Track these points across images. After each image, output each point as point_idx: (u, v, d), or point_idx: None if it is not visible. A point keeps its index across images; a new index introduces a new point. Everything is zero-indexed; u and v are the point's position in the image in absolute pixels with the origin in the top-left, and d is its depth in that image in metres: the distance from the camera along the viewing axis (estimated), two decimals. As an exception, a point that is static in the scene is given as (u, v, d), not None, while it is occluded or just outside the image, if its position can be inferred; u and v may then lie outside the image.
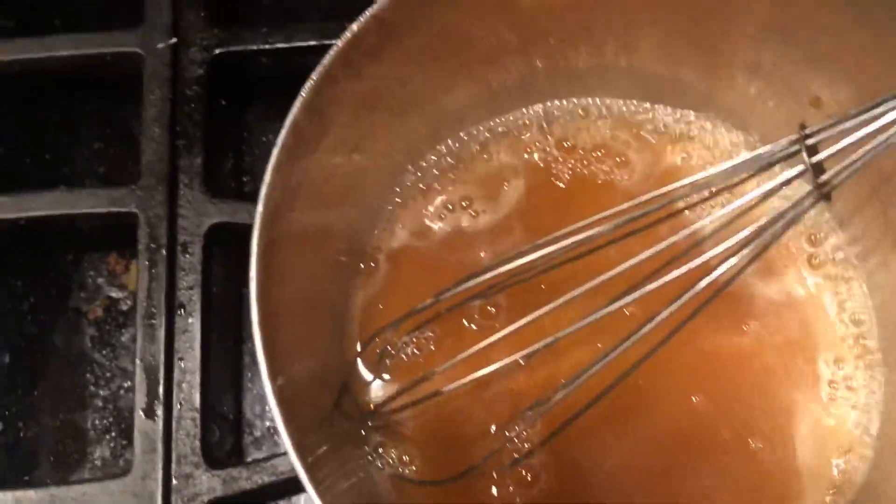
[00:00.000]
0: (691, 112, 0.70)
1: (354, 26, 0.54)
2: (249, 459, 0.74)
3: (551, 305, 0.59)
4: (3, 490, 0.67)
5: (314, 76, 0.54)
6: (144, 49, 0.75)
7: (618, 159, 0.69)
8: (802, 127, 0.50)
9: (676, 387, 0.64)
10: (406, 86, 0.61)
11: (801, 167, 0.50)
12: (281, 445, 0.73)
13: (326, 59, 0.54)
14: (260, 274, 0.53)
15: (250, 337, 0.75)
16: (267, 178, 0.53)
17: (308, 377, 0.60)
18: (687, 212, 0.59)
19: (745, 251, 0.53)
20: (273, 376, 0.51)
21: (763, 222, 0.52)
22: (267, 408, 0.77)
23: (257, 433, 0.76)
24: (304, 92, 0.54)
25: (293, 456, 0.50)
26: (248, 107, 0.85)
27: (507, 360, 0.59)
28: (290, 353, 0.57)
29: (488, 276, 0.60)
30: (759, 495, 0.63)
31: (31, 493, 0.66)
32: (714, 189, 0.56)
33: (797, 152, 0.50)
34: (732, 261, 0.52)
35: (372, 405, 0.65)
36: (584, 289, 0.59)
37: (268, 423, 0.77)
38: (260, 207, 0.53)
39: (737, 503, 0.63)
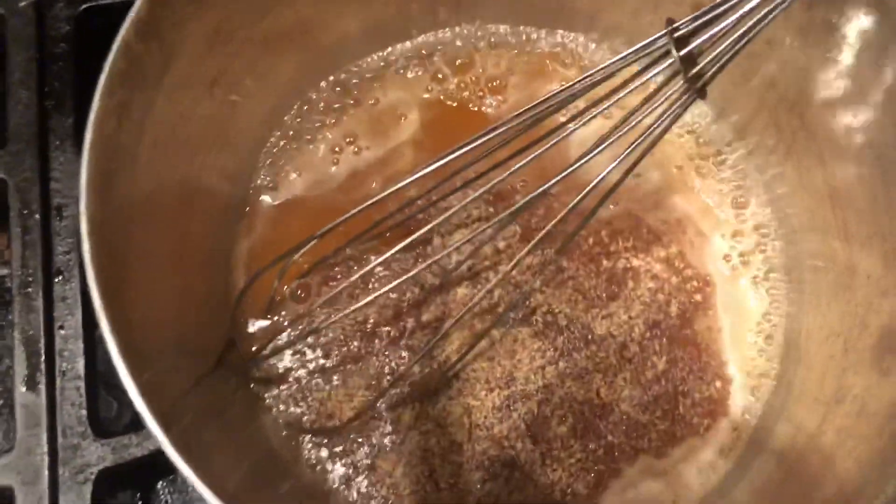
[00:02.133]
0: (575, 34, 0.68)
1: None
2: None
3: (440, 219, 0.57)
4: None
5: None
6: (5, 8, 0.71)
7: (497, 83, 0.67)
8: (670, 22, 0.48)
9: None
10: (266, 16, 0.58)
11: (670, 61, 0.48)
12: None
13: None
14: (96, 254, 0.47)
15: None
16: (94, 106, 0.48)
17: (184, 338, 0.57)
18: (570, 125, 0.56)
19: (629, 153, 0.51)
20: (135, 372, 0.47)
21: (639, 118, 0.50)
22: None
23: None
24: (133, 11, 0.50)
25: (157, 431, 0.46)
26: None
27: (384, 290, 0.57)
28: (151, 321, 0.53)
29: (366, 205, 0.57)
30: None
31: None
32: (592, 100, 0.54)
33: (666, 50, 0.48)
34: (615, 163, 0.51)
35: (263, 354, 0.62)
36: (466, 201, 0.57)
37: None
38: (87, 140, 0.48)
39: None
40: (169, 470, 0.70)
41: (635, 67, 0.51)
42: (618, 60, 0.49)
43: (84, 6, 0.72)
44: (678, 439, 0.61)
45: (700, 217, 0.67)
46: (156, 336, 0.50)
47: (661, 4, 0.61)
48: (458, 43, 0.68)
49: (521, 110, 0.52)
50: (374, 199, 0.55)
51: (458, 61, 0.68)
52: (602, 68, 0.50)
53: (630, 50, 0.49)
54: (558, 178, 0.51)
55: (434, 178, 0.60)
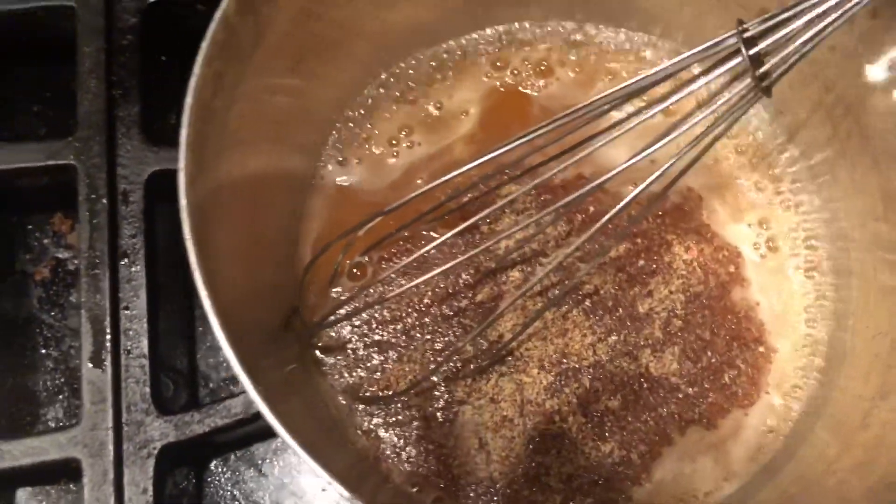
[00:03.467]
0: (640, 34, 0.69)
1: None
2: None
3: (491, 209, 0.59)
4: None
5: None
6: (76, 1, 0.74)
7: (558, 79, 0.69)
8: (740, 22, 0.50)
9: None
10: (350, 0, 0.60)
11: (739, 59, 0.49)
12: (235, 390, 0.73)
13: None
14: (194, 210, 0.50)
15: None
16: (195, 72, 0.51)
17: (258, 307, 0.59)
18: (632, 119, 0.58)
19: (690, 150, 0.53)
20: (220, 316, 0.49)
21: (704, 114, 0.52)
22: (220, 360, 0.76)
23: (213, 385, 0.76)
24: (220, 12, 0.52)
25: (246, 383, 0.48)
26: (185, 64, 0.83)
27: (441, 269, 0.58)
28: (236, 292, 0.56)
29: (428, 187, 0.59)
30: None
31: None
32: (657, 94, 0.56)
33: (735, 50, 0.50)
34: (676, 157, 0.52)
35: (324, 324, 0.64)
36: (522, 190, 0.59)
37: (222, 375, 0.76)
38: (188, 103, 0.50)
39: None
40: (224, 448, 0.73)
41: (693, 69, 0.53)
42: (688, 57, 0.50)
43: (151, 0, 0.74)
44: (725, 410, 0.63)
45: (746, 209, 0.68)
46: (236, 303, 0.52)
47: (727, 7, 0.62)
48: (523, 37, 0.70)
49: (580, 105, 0.54)
50: (436, 183, 0.57)
51: (522, 57, 0.70)
52: (671, 64, 0.51)
53: (701, 47, 0.50)
54: (620, 169, 0.53)
55: (491, 167, 0.62)
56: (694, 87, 0.51)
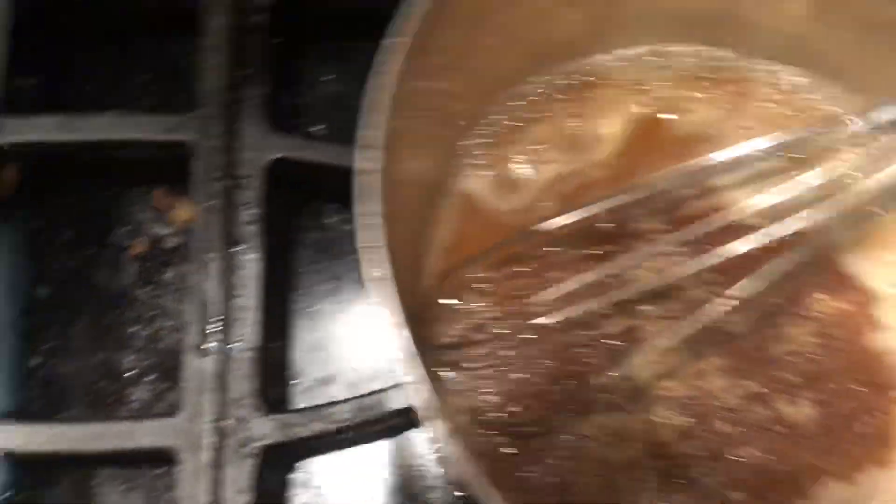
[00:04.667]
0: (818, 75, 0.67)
1: None
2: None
3: (640, 253, 0.57)
4: (45, 423, 0.63)
5: None
6: (207, -28, 0.71)
7: (708, 110, 0.66)
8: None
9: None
10: (515, 5, 0.57)
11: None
12: (333, 397, 0.71)
13: None
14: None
15: (301, 285, 0.73)
16: (383, 70, 0.48)
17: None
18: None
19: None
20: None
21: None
22: (316, 357, 0.73)
23: (307, 383, 0.73)
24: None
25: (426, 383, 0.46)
26: (305, 48, 0.81)
27: (580, 306, 0.57)
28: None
29: (572, 219, 0.57)
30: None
31: (75, 428, 0.63)
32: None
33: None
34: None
35: (448, 341, 0.62)
36: (683, 237, 0.57)
37: (317, 374, 0.73)
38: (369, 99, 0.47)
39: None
40: (316, 451, 0.70)
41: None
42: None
43: (283, -21, 0.72)
44: (863, 465, 0.60)
45: (886, 246, 0.65)
46: None
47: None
48: (679, 63, 0.67)
49: (733, 150, 0.51)
50: (577, 218, 0.55)
51: (675, 82, 0.67)
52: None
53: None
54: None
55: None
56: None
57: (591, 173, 0.66)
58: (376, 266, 0.47)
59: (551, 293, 0.59)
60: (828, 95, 0.67)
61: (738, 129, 0.67)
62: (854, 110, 0.61)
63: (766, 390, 0.60)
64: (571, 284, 0.59)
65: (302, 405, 0.71)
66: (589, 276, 0.59)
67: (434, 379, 0.58)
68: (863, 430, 0.60)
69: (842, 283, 0.64)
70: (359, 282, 0.73)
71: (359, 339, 0.74)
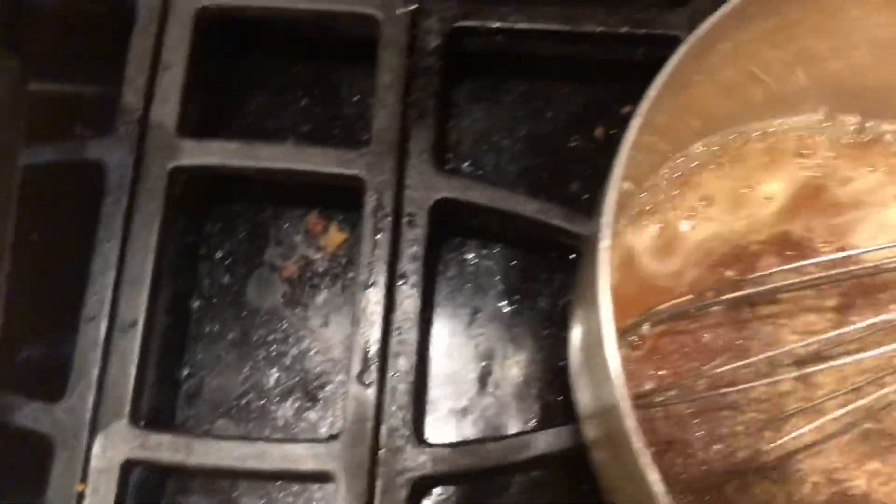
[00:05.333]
0: None
1: (721, 12, 0.52)
2: (433, 440, 0.73)
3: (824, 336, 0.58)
4: (206, 438, 0.66)
5: (683, 50, 0.52)
6: (383, 13, 0.74)
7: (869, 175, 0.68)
8: None
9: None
10: (713, 76, 0.59)
11: None
12: (466, 430, 0.73)
13: (688, 44, 0.52)
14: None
15: (439, 317, 0.76)
16: (622, 154, 0.50)
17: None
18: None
19: None
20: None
21: None
22: (450, 389, 0.75)
23: (440, 413, 0.75)
24: (661, 76, 0.52)
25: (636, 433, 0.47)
26: (456, 83, 0.84)
27: (755, 383, 0.59)
28: None
29: (754, 290, 0.59)
30: None
31: (237, 445, 0.65)
32: None
33: None
34: None
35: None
36: (860, 326, 0.58)
37: (451, 405, 0.75)
38: (612, 189, 0.50)
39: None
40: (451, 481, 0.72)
41: None
42: None
43: (456, 24, 0.74)
44: None
45: None
46: None
47: None
48: (842, 131, 0.68)
49: None
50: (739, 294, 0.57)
51: (837, 150, 0.68)
52: None
53: None
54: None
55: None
56: None
57: (749, 236, 0.68)
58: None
59: (710, 364, 0.61)
60: None
61: (894, 198, 0.68)
62: None
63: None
64: (728, 358, 0.61)
65: (435, 435, 0.73)
66: (747, 349, 0.61)
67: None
68: None
69: None
70: (494, 316, 0.76)
71: (494, 374, 0.76)
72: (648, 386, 0.63)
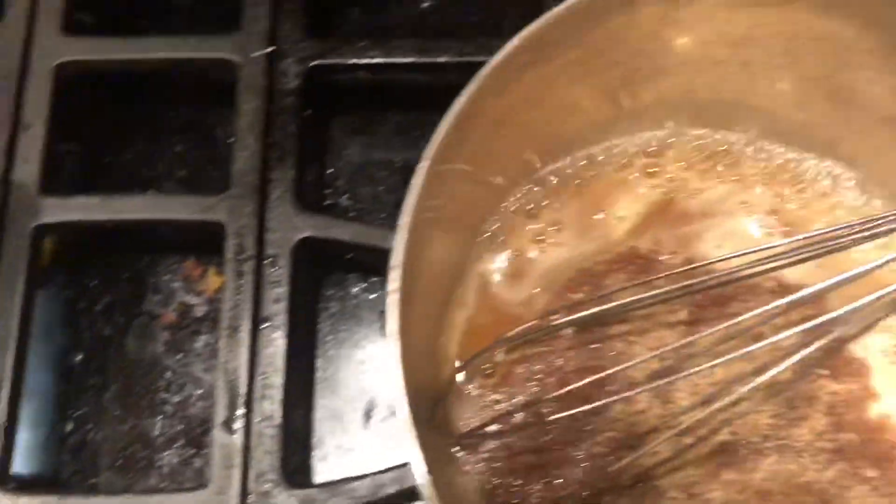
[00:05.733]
0: (814, 157, 0.69)
1: (515, 40, 0.54)
2: (318, 478, 0.73)
3: (658, 351, 0.59)
4: (75, 496, 0.66)
5: (471, 88, 0.53)
6: (240, 57, 0.75)
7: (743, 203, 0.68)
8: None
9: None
10: (536, 106, 0.61)
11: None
12: (350, 467, 0.73)
13: (485, 70, 0.53)
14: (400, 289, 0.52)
15: (324, 354, 0.76)
16: (412, 199, 0.51)
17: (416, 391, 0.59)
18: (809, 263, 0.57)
19: (869, 312, 0.52)
20: (409, 391, 0.50)
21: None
22: (336, 426, 0.76)
23: (326, 450, 0.75)
24: (457, 104, 0.53)
25: (421, 466, 0.48)
26: (330, 119, 0.84)
27: (605, 401, 0.59)
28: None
29: (598, 309, 0.59)
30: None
31: (106, 500, 0.65)
32: (841, 242, 0.55)
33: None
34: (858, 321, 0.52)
35: (462, 422, 0.64)
36: (708, 333, 0.59)
37: (336, 442, 0.76)
38: (405, 221, 0.51)
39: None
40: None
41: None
42: (887, 216, 0.50)
43: (313, 63, 0.75)
44: None
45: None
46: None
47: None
48: (690, 145, 0.69)
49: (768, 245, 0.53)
50: (588, 313, 0.57)
51: (686, 164, 0.69)
52: (866, 221, 0.50)
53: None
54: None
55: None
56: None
57: (597, 257, 0.68)
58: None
59: (564, 386, 0.61)
60: (836, 181, 0.69)
61: (740, 206, 0.69)
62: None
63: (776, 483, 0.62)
64: (583, 379, 0.61)
65: (321, 473, 0.73)
66: (601, 369, 0.61)
67: (439, 460, 0.60)
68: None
69: (841, 358, 0.65)
70: (378, 349, 0.76)
71: (377, 409, 0.76)
72: (501, 410, 0.63)
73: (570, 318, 0.61)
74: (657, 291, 0.62)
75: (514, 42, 0.53)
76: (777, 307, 0.57)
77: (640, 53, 0.61)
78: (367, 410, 0.77)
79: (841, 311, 0.51)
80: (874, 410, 0.63)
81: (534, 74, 0.57)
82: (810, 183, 0.69)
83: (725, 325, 0.59)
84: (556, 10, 0.53)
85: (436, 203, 0.55)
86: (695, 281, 0.62)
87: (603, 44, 0.58)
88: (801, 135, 0.68)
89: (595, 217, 0.68)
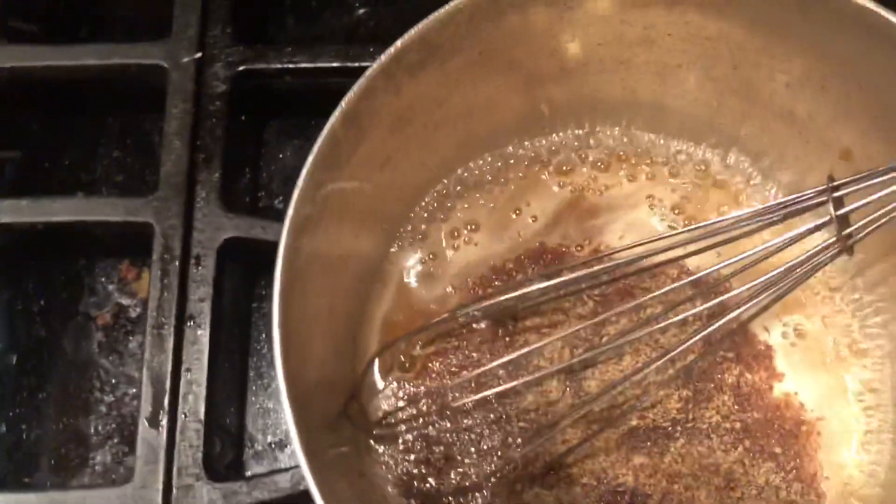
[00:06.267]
0: (718, 152, 0.71)
1: (399, 42, 0.56)
2: (249, 474, 0.74)
3: (564, 333, 0.61)
4: (3, 492, 0.67)
5: (356, 87, 0.56)
6: (169, 62, 0.76)
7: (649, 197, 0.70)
8: (831, 179, 0.51)
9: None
10: (442, 105, 0.63)
11: (826, 218, 0.50)
12: (282, 461, 0.74)
13: (369, 72, 0.56)
14: (284, 284, 0.54)
15: (257, 352, 0.78)
16: (299, 186, 0.53)
17: (320, 383, 0.61)
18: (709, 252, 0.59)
19: (764, 295, 0.54)
20: (288, 382, 0.52)
21: (783, 269, 0.53)
22: (269, 422, 0.77)
23: (258, 447, 0.77)
24: (344, 102, 0.55)
25: (301, 458, 0.50)
26: (265, 123, 0.86)
27: (508, 385, 0.61)
28: (305, 363, 0.58)
29: (502, 298, 0.61)
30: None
31: (31, 497, 0.67)
32: (737, 231, 0.57)
33: (823, 203, 0.51)
34: (753, 301, 0.54)
35: (379, 414, 0.65)
36: (599, 319, 0.61)
37: (269, 438, 0.77)
38: (290, 213, 0.53)
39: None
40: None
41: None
42: (777, 204, 0.52)
43: (241, 68, 0.77)
44: None
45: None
46: (301, 378, 0.54)
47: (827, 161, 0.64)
48: (601, 143, 0.71)
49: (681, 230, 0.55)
50: (499, 299, 0.59)
51: (598, 161, 0.71)
52: (762, 208, 0.52)
53: (790, 197, 0.51)
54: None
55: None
56: (776, 241, 0.52)
57: (508, 254, 0.70)
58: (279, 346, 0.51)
59: (471, 373, 0.63)
60: (740, 173, 0.71)
61: (645, 200, 0.71)
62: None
63: (689, 481, 0.63)
64: (490, 364, 0.63)
65: (253, 468, 0.75)
66: (505, 355, 0.63)
67: (349, 455, 0.62)
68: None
69: (745, 342, 0.67)
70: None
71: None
72: (419, 402, 0.65)
73: (479, 305, 0.62)
74: (564, 278, 0.64)
75: (398, 44, 0.55)
76: (676, 288, 0.59)
77: (540, 53, 0.62)
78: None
79: (736, 291, 0.53)
80: (777, 390, 0.65)
81: (432, 74, 0.59)
82: (714, 176, 0.71)
83: (633, 303, 0.62)
84: (438, 13, 0.54)
85: (329, 205, 0.57)
86: (600, 267, 0.64)
87: (500, 43, 0.60)
88: (708, 131, 0.70)
89: (511, 216, 0.70)
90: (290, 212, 0.53)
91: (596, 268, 0.62)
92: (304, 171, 0.54)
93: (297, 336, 0.55)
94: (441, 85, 0.60)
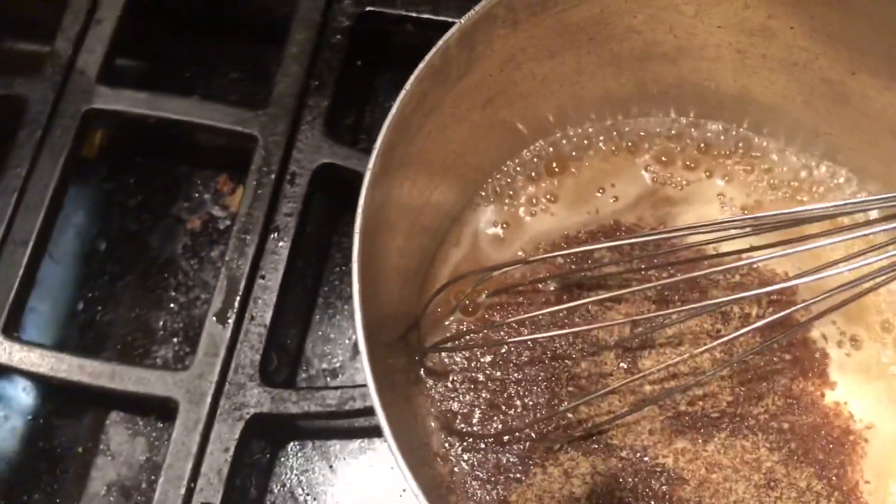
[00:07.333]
0: (826, 163, 0.70)
1: None
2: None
3: (624, 291, 0.61)
4: (72, 355, 0.70)
5: (477, 7, 0.56)
6: (302, -7, 0.80)
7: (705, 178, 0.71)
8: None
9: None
10: (554, 57, 0.63)
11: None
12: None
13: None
14: (365, 215, 0.55)
15: (329, 282, 0.80)
16: (408, 86, 0.55)
17: (388, 314, 0.62)
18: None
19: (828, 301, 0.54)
20: (363, 305, 0.53)
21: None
22: (326, 349, 0.79)
23: (312, 371, 0.79)
24: (463, 19, 0.56)
25: (368, 370, 0.52)
26: (377, 73, 0.89)
27: (557, 332, 0.61)
28: (378, 291, 0.59)
29: (565, 252, 0.62)
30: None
31: (95, 364, 0.69)
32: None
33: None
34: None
35: (430, 343, 0.67)
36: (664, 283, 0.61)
37: (324, 365, 0.79)
38: (393, 110, 0.55)
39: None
40: (304, 435, 0.75)
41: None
42: (867, 202, 0.51)
43: (368, 8, 0.79)
44: None
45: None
46: (372, 304, 0.55)
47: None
48: (706, 140, 0.71)
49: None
50: (565, 252, 0.61)
51: (673, 150, 0.71)
52: (843, 205, 0.52)
53: (874, 197, 0.51)
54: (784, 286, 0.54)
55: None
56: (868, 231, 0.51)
57: (583, 227, 0.71)
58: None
59: (534, 327, 0.63)
60: (819, 176, 0.71)
61: (717, 196, 0.71)
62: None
63: (729, 470, 0.63)
64: (557, 321, 0.63)
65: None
66: (573, 317, 0.64)
67: (399, 381, 0.63)
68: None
69: (803, 346, 0.66)
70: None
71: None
72: (474, 346, 0.66)
73: (549, 254, 0.63)
74: (634, 240, 0.64)
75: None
76: (743, 284, 0.59)
77: (659, 26, 0.63)
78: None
79: (792, 283, 0.53)
80: (829, 397, 0.64)
81: (550, 20, 0.60)
82: (811, 190, 0.71)
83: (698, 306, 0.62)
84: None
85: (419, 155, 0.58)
86: (666, 250, 0.64)
87: (622, 5, 0.61)
88: (814, 139, 0.69)
89: (595, 192, 0.71)
90: (394, 110, 0.55)
91: (665, 250, 0.61)
92: (412, 77, 0.55)
93: (371, 268, 0.56)
94: (557, 35, 0.61)
